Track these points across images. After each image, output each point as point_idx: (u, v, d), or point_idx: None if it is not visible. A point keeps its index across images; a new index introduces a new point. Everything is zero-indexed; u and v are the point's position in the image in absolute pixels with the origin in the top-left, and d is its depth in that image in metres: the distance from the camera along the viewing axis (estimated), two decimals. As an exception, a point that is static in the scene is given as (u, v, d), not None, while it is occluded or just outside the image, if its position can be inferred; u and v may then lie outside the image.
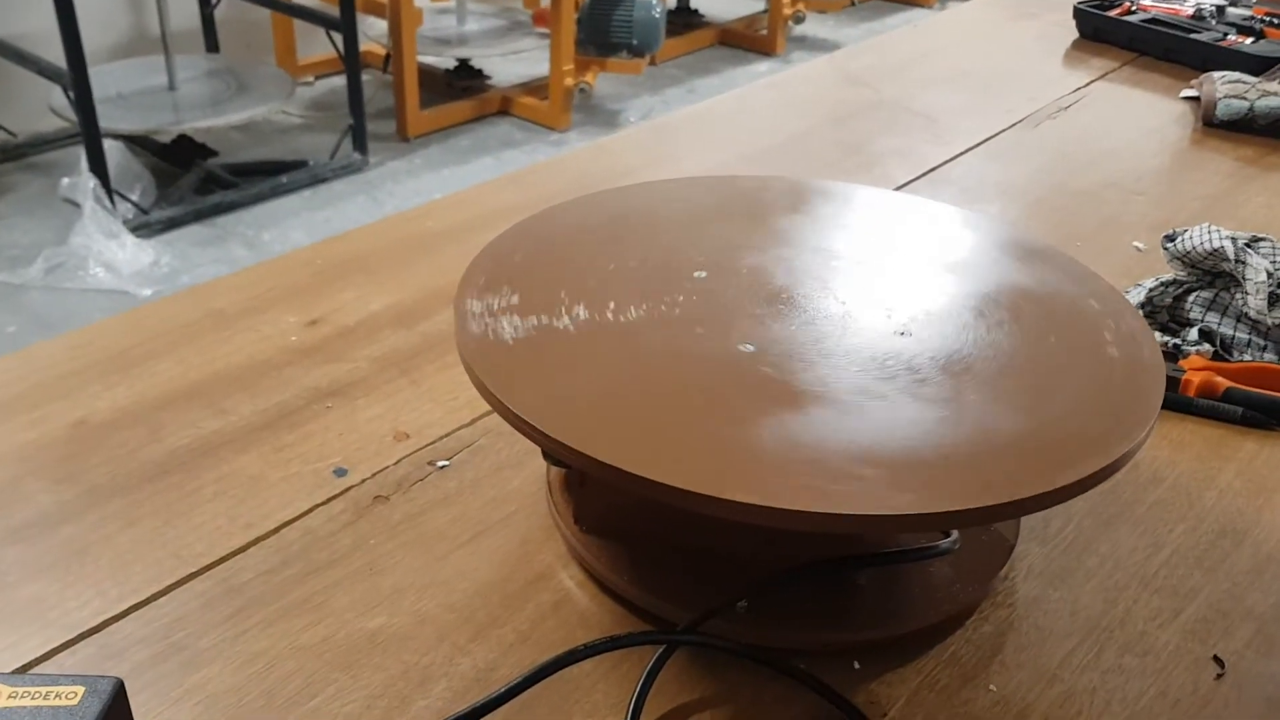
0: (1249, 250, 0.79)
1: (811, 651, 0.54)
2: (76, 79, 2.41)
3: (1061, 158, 1.15)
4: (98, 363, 0.74)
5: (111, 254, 2.44)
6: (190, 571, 0.58)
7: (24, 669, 0.52)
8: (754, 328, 0.57)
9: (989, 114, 1.26)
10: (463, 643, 0.54)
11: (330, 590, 0.57)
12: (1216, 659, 0.55)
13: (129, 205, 2.62)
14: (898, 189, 1.06)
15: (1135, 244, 0.97)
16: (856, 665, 0.54)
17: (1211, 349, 0.79)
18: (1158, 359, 0.57)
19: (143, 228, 2.58)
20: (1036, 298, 0.62)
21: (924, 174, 1.11)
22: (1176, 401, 0.75)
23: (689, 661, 0.53)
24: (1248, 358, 0.78)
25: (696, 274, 0.62)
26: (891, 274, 0.64)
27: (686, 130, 1.22)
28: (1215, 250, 0.79)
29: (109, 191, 2.52)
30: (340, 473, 0.65)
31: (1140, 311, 0.82)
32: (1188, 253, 0.81)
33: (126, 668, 0.52)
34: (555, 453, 0.49)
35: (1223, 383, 0.75)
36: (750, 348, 0.55)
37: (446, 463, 0.66)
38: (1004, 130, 1.23)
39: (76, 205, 2.56)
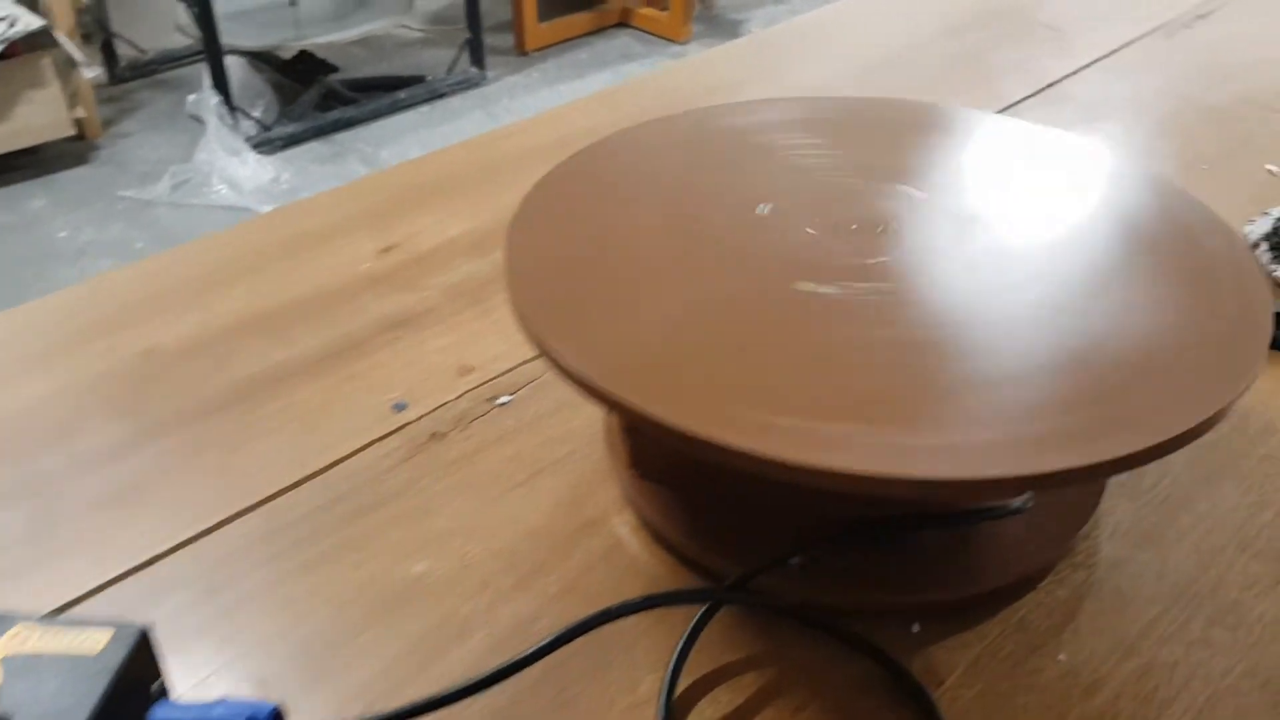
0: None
1: (867, 612, 0.51)
2: (199, -5, 2.44)
3: (1196, 71, 1.06)
4: (169, 291, 0.74)
5: (234, 170, 2.49)
6: (239, 509, 0.58)
7: (67, 606, 0.52)
8: (820, 267, 0.53)
9: (1120, 23, 1.17)
10: (506, 590, 0.53)
11: (376, 532, 0.56)
12: (1318, 636, 0.51)
13: (251, 122, 2.67)
14: (1009, 108, 1.00)
15: (1269, 167, 0.89)
16: (916, 628, 0.51)
17: (1345, 287, 0.72)
18: (1265, 297, 0.51)
19: (264, 144, 2.62)
20: (1137, 233, 0.57)
21: (1041, 90, 1.04)
22: (1299, 346, 0.68)
23: (737, 619, 0.51)
24: (1386, 297, 0.71)
25: (760, 208, 0.58)
26: (971, 208, 0.59)
27: (792, 44, 1.16)
28: (1355, 178, 0.71)
29: (231, 108, 2.56)
30: (400, 407, 0.64)
31: (1264, 242, 0.75)
32: (1324, 180, 0.73)
33: (167, 609, 0.52)
34: (606, 406, 0.46)
35: (1354, 326, 0.68)
36: (815, 286, 0.52)
37: (508, 398, 0.65)
38: (1135, 40, 1.14)
39: (201, 122, 2.61)
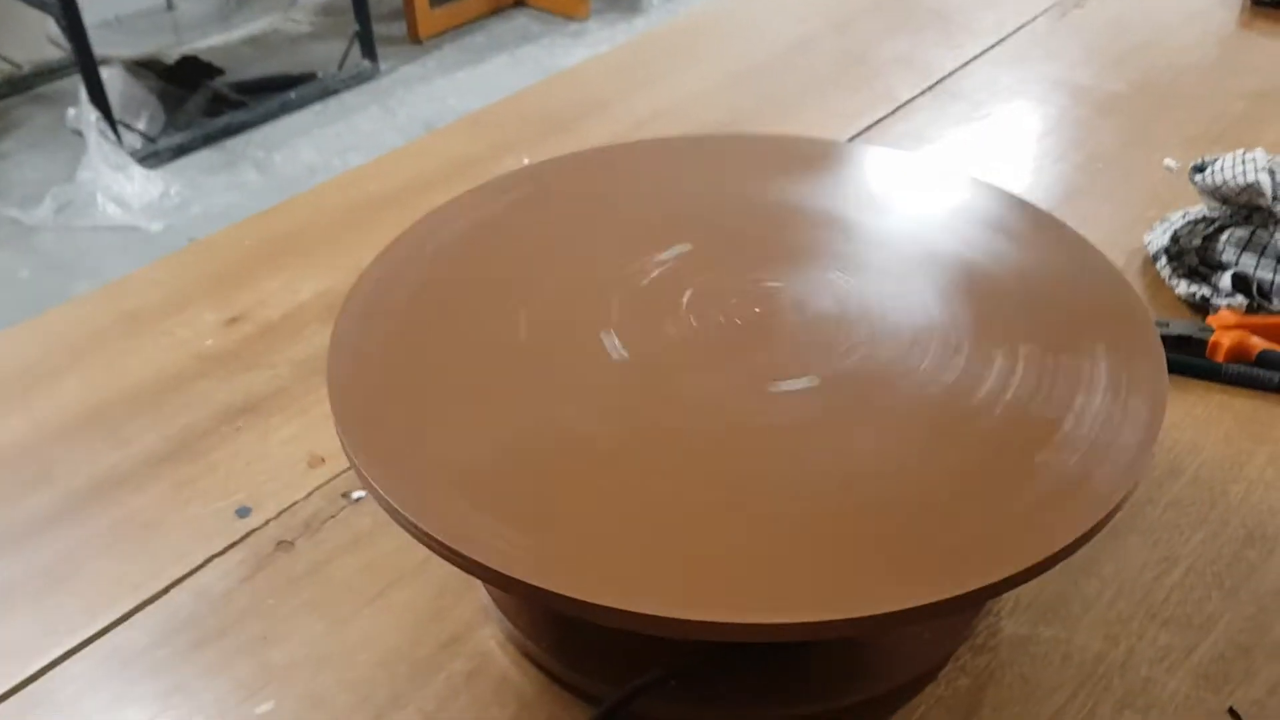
0: (1288, 183, 0.68)
1: (754, 728, 0.47)
2: (65, 4, 2.32)
3: (1088, 56, 1.03)
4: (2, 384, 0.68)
5: (120, 187, 2.38)
6: (69, 648, 0.52)
7: None
8: (665, 398, 0.49)
9: (1008, 4, 1.13)
10: (358, 728, 0.48)
11: (216, 668, 0.51)
12: (1233, 713, 0.47)
13: (136, 135, 2.55)
14: (900, 108, 0.95)
15: (1167, 162, 0.86)
16: (808, 740, 0.47)
17: (1246, 301, 0.69)
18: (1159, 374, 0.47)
19: (151, 157, 2.51)
20: (1006, 310, 0.52)
21: (932, 86, 0.99)
22: (1203, 368, 0.65)
23: (612, 748, 0.47)
24: (1288, 307, 0.68)
25: (604, 336, 0.53)
26: (826, 298, 0.54)
27: (671, 45, 1.11)
28: (1250, 185, 0.68)
29: (112, 122, 2.44)
30: (244, 512, 0.59)
31: (1163, 256, 0.72)
32: (1219, 187, 0.70)
33: (-24, 786, 0.46)
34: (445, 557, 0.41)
35: (1257, 344, 0.65)
36: (659, 420, 0.47)
37: (362, 494, 0.59)
38: (1026, 24, 1.10)
39: (84, 137, 2.49)
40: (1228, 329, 0.66)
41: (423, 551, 0.55)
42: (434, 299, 0.52)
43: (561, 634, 0.49)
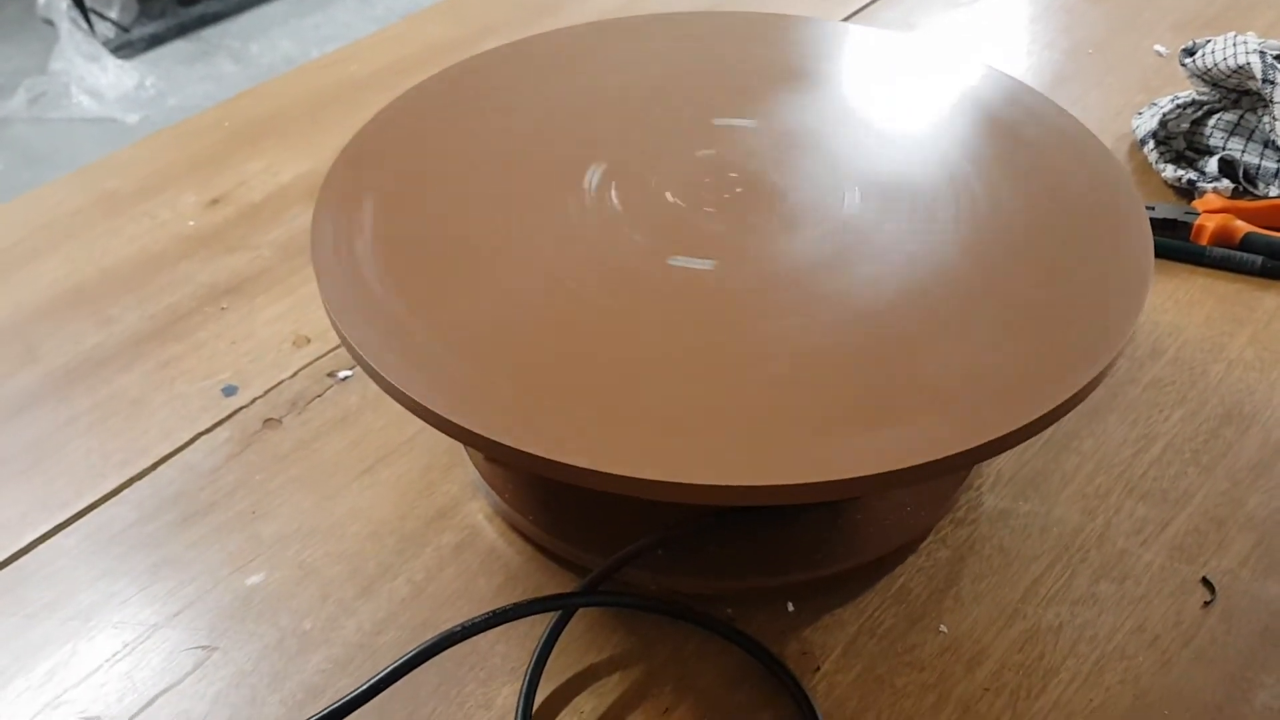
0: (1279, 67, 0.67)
1: (738, 597, 0.48)
2: (32, -111, 2.24)
3: (1080, -60, 1.01)
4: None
5: (94, 79, 2.33)
6: (56, 524, 0.52)
7: None
8: (648, 236, 0.48)
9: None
10: (349, 600, 0.48)
11: (205, 542, 0.51)
12: (1205, 582, 0.48)
13: (108, 24, 2.49)
14: (865, 8, 0.94)
15: (1156, 48, 0.85)
16: (790, 607, 0.48)
17: (1232, 185, 0.69)
18: (1144, 241, 0.47)
19: (124, 47, 2.45)
20: (1006, 178, 0.52)
21: (921, -30, 0.97)
22: (1187, 251, 0.65)
23: (599, 617, 0.48)
24: (1274, 191, 0.68)
25: (589, 173, 0.52)
26: (825, 148, 0.54)
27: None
28: (1240, 68, 0.68)
29: (84, 11, 2.38)
30: (230, 391, 0.59)
31: (1150, 140, 0.71)
32: (1209, 70, 0.70)
33: (-28, 650, 0.47)
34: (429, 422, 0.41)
35: (1241, 227, 0.65)
36: (646, 267, 0.47)
37: (349, 373, 0.59)
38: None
39: (53, 25, 2.43)
40: (1213, 213, 0.66)
41: (410, 428, 0.56)
42: (417, 171, 0.52)
43: (549, 506, 0.50)
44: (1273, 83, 0.67)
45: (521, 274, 0.46)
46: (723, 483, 0.37)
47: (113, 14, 2.52)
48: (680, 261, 0.46)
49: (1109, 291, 0.44)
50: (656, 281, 0.45)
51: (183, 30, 2.55)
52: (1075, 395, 0.40)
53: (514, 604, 0.44)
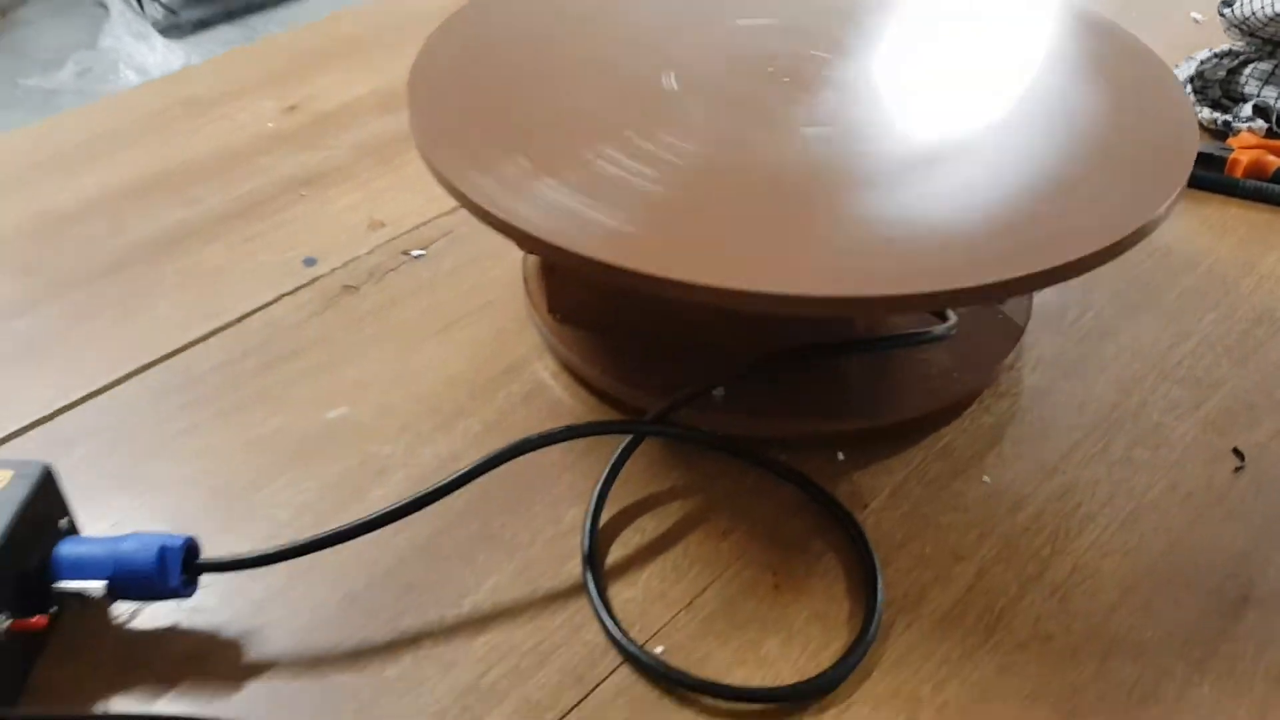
0: (1315, 11, 0.70)
1: (792, 442, 0.50)
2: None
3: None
4: (61, 154, 0.70)
5: (142, 57, 2.38)
6: (144, 363, 0.55)
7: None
8: (727, 100, 0.52)
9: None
10: (427, 432, 0.51)
11: (290, 382, 0.54)
12: (1236, 451, 0.51)
13: (158, 5, 2.55)
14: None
15: (1193, 15, 0.88)
16: (841, 456, 0.51)
17: (1266, 125, 0.72)
18: (1191, 124, 0.50)
19: (172, 29, 2.51)
20: (1058, 55, 0.55)
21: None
22: (1221, 183, 0.68)
23: (660, 453, 0.50)
24: (1306, 133, 0.71)
25: (666, 73, 0.56)
26: (888, 32, 0.57)
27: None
28: (1276, 15, 0.71)
29: (136, -7, 2.44)
30: (309, 262, 0.62)
31: (1188, 85, 0.74)
32: (1246, 19, 0.73)
33: (75, 457, 0.50)
34: (503, 232, 0.44)
35: (1274, 161, 0.68)
36: (733, 128, 0.50)
37: (422, 252, 0.63)
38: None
39: (105, 8, 2.50)
40: (1247, 149, 0.69)
41: (482, 298, 0.59)
42: (510, 44, 0.55)
43: (613, 357, 0.53)
44: (1308, 26, 0.70)
45: (597, 118, 0.49)
46: (747, 288, 0.40)
47: (164, -1, 2.58)
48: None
49: (1158, 163, 0.47)
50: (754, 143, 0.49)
51: (230, 15, 2.61)
52: (1112, 247, 0.43)
53: (587, 422, 0.47)
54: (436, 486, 0.43)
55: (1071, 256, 0.42)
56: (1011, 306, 0.56)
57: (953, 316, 0.52)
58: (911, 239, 0.43)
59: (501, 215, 0.44)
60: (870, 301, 0.41)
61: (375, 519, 0.42)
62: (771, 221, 0.44)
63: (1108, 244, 0.43)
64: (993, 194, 0.45)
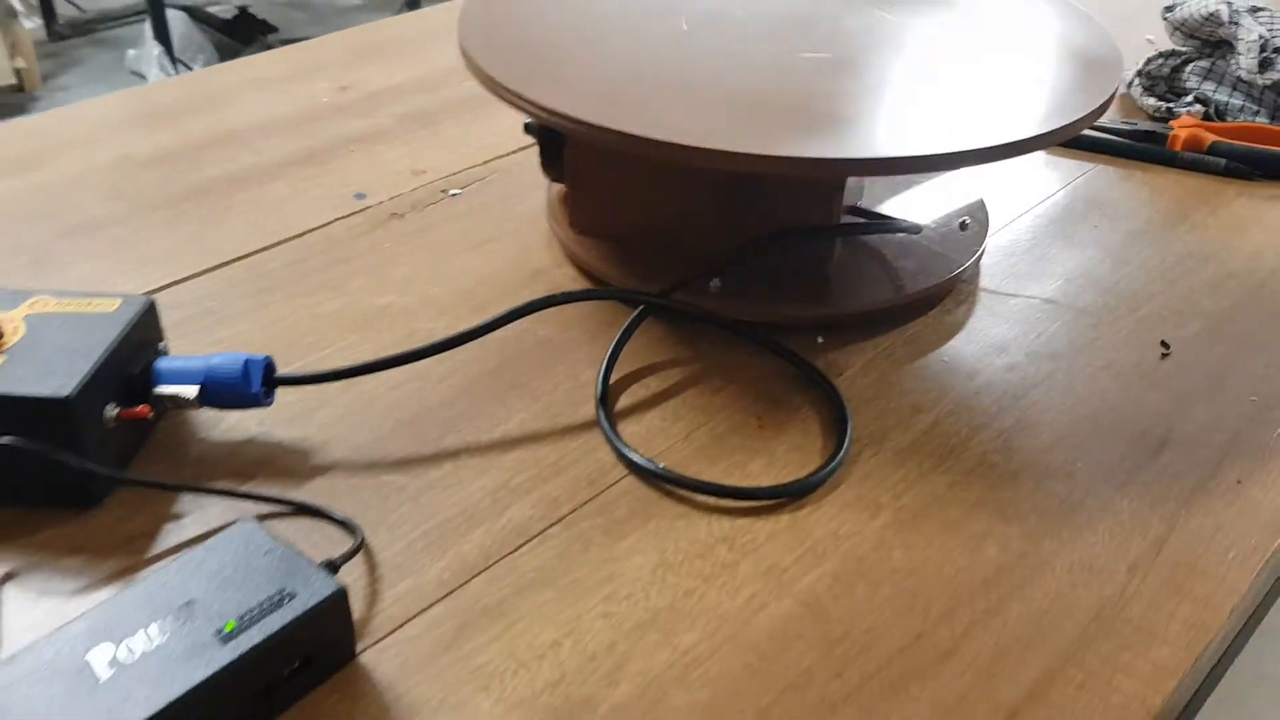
0: (1243, 14, 0.80)
1: (778, 325, 0.58)
2: (140, -53, 2.47)
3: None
4: (143, 115, 0.80)
5: (176, 120, 2.51)
6: (223, 260, 0.64)
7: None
8: (739, 35, 0.61)
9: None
10: (463, 314, 0.60)
11: (346, 278, 0.63)
12: (1163, 343, 0.59)
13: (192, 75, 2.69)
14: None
15: (1147, 36, 0.98)
16: (820, 340, 0.59)
17: (1204, 109, 0.81)
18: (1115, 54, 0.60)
19: (206, 96, 2.65)
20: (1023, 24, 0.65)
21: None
22: (1161, 155, 0.77)
23: (664, 331, 0.59)
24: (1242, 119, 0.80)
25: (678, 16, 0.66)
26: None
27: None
28: (1211, 15, 0.81)
29: (173, 59, 2.59)
30: (360, 196, 0.71)
31: (1136, 80, 0.84)
32: (1185, 20, 0.83)
33: (164, 324, 0.58)
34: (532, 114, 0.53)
35: (1209, 137, 0.77)
36: (750, 42, 0.60)
37: (459, 191, 0.72)
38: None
39: (142, 78, 2.64)
40: (1185, 127, 0.78)
41: (512, 224, 0.67)
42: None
43: (624, 261, 0.61)
44: (1237, 24, 0.80)
45: (627, 52, 0.59)
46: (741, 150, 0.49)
47: (196, 67, 2.73)
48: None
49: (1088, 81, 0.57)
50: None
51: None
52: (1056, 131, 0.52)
53: (606, 287, 0.55)
54: (479, 325, 0.52)
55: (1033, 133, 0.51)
56: (973, 229, 0.64)
57: (919, 224, 0.60)
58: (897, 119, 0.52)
59: (532, 97, 0.53)
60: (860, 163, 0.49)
61: (426, 348, 0.51)
62: (776, 110, 0.53)
63: (1059, 126, 0.52)
64: (969, 97, 0.55)
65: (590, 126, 0.51)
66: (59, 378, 0.44)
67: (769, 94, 0.55)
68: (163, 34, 2.56)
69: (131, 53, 2.73)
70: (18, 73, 2.64)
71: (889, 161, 0.50)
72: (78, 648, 0.36)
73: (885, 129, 0.52)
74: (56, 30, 2.96)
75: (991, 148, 0.51)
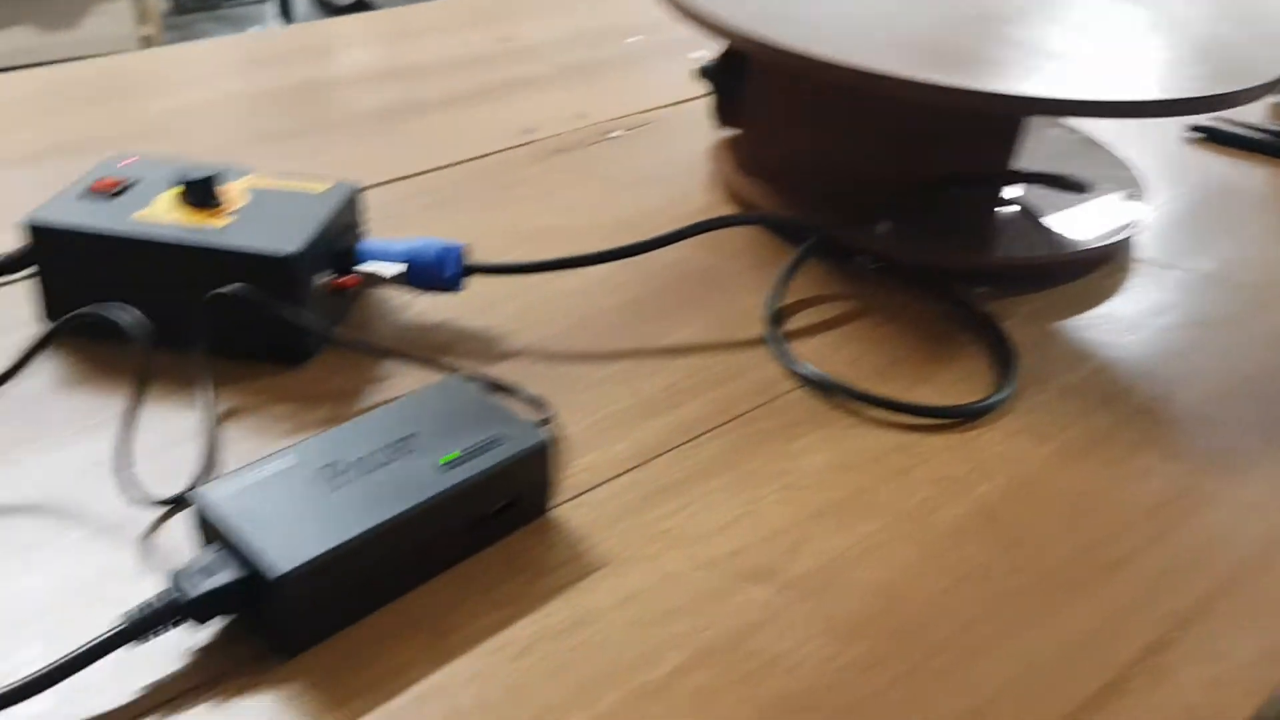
0: None
1: (941, 271, 0.60)
2: (273, -72, 2.55)
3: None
4: (321, 44, 0.84)
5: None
6: (399, 175, 0.67)
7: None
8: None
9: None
10: (627, 240, 0.62)
11: (512, 202, 0.65)
12: None
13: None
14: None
15: None
16: (981, 290, 0.60)
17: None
18: None
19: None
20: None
21: None
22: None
23: (828, 272, 0.60)
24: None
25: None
26: None
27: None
28: None
29: (294, 39, 2.66)
30: (528, 130, 0.73)
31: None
32: None
33: (349, 221, 0.61)
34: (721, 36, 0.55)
35: None
36: None
37: (621, 133, 0.74)
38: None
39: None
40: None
41: (673, 167, 0.70)
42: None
43: (790, 203, 0.63)
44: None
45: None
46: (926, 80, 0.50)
47: (315, 49, 2.81)
48: None
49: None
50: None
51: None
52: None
53: (776, 215, 0.57)
54: (662, 234, 0.54)
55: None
56: (1133, 200, 0.65)
57: (1087, 186, 0.61)
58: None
59: (727, 19, 0.55)
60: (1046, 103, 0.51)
61: (613, 251, 0.53)
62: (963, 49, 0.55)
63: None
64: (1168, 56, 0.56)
65: (788, 53, 0.53)
66: (282, 239, 0.47)
67: (957, 40, 0.56)
68: (287, 13, 2.64)
69: (254, 30, 2.81)
70: (144, 39, 2.73)
71: (1084, 104, 0.51)
72: (311, 459, 0.38)
73: (1079, 70, 0.53)
74: (181, 4, 3.06)
75: (1202, 98, 0.52)
